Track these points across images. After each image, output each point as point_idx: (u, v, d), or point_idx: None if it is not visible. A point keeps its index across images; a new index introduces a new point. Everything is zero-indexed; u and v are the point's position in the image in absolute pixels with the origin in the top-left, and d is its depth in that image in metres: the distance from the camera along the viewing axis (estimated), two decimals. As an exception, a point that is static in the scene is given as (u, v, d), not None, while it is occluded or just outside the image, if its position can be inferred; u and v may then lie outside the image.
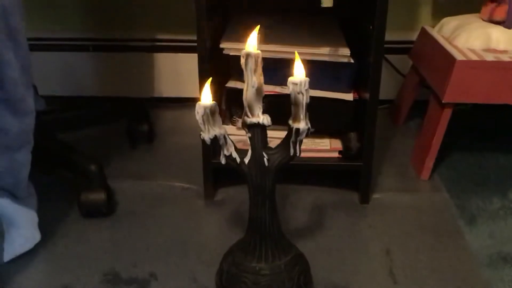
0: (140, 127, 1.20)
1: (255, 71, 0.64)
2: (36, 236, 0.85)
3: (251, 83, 0.64)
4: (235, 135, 0.97)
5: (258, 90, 0.65)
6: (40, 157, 0.86)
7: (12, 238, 0.81)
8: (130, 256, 0.84)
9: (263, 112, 0.67)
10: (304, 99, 0.64)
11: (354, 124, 0.98)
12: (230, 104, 1.03)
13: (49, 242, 0.86)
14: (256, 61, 0.63)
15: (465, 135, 1.25)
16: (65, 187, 1.01)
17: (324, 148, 0.98)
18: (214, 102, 0.65)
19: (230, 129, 0.98)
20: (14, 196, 0.81)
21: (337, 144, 0.99)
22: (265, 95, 0.93)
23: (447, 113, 1.02)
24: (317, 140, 1.00)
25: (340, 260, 0.84)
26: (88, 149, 1.02)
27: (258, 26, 0.65)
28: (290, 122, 0.66)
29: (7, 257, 0.81)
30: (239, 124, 0.97)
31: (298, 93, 0.63)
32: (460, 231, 0.91)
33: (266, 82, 0.95)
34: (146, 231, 0.90)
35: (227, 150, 0.68)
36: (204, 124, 0.65)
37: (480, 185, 1.04)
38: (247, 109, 0.66)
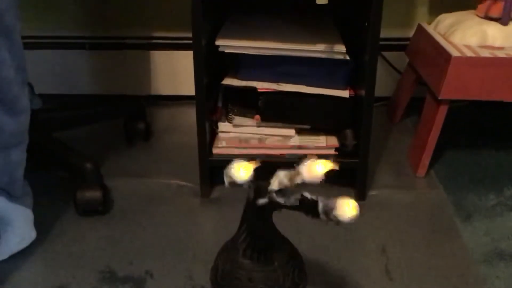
0: (136, 125, 1.20)
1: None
2: (32, 235, 0.85)
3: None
4: (231, 132, 0.97)
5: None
6: (36, 155, 0.86)
7: (7, 236, 0.81)
8: (126, 254, 0.84)
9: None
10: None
11: (350, 121, 0.98)
12: (226, 102, 1.03)
13: (45, 241, 0.86)
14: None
15: (461, 132, 1.25)
16: (61, 185, 1.01)
17: (320, 145, 0.98)
18: None
19: (226, 126, 0.98)
20: (9, 195, 0.81)
21: (333, 141, 0.99)
22: (262, 92, 0.94)
23: (443, 110, 1.02)
24: (313, 137, 1.00)
25: (336, 256, 0.84)
26: (84, 148, 1.02)
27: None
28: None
29: (2, 255, 0.81)
30: (235, 121, 0.97)
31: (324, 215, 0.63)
32: (456, 228, 0.91)
33: (262, 79, 0.96)
34: (142, 229, 0.90)
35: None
36: None
37: (476, 182, 1.05)
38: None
